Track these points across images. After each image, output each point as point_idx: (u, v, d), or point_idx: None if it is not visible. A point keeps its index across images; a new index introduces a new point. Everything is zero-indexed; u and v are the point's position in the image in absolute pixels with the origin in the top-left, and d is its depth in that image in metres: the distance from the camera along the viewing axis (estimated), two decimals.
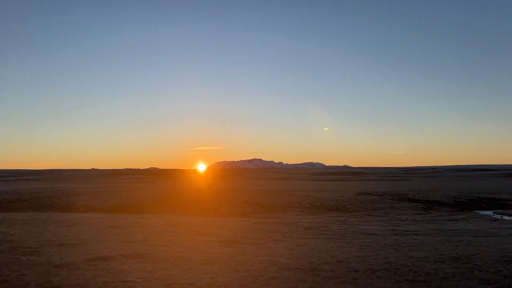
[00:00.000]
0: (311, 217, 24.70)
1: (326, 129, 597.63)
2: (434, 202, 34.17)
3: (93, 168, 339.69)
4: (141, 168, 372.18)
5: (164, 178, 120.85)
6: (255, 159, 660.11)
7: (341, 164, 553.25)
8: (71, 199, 37.14)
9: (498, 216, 26.97)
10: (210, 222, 17.39)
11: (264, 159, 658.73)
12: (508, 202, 34.91)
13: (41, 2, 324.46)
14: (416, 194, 40.80)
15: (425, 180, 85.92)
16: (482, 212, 29.85)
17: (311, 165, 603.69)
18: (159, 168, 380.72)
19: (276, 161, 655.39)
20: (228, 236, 12.09)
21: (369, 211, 29.14)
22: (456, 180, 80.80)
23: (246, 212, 29.55)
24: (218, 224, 16.01)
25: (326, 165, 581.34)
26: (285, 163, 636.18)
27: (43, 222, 16.30)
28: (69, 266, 7.20)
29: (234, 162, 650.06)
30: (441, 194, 39.51)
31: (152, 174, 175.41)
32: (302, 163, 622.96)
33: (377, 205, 31.93)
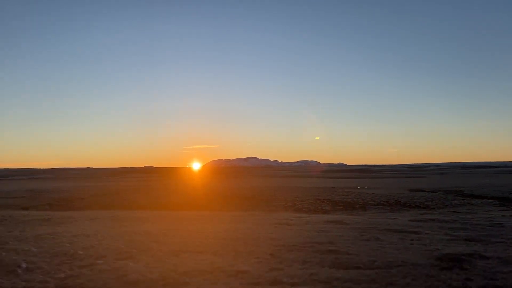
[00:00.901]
0: (407, 215, 24.21)
1: (317, 138, 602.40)
2: (503, 199, 33.99)
3: (88, 167, 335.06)
4: (136, 166, 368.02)
5: (178, 176, 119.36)
6: (251, 158, 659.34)
7: (335, 162, 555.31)
8: (129, 197, 36.22)
9: None
10: (338, 219, 16.77)
11: (259, 158, 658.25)
12: None
13: (40, 2, 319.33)
14: (472, 190, 40.70)
15: (446, 177, 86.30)
16: None
17: (306, 163, 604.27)
18: (154, 166, 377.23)
19: (272, 159, 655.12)
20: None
21: (450, 208, 28.75)
22: (481, 177, 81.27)
23: (326, 209, 28.94)
24: (368, 221, 15.39)
25: (320, 163, 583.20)
26: (280, 161, 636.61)
27: (185, 220, 15.48)
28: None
29: (230, 160, 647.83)
30: (498, 190, 39.48)
31: (158, 173, 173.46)
32: (297, 161, 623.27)
33: (452, 202, 31.69)
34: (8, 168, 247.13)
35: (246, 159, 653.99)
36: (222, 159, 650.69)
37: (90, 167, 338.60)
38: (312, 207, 29.77)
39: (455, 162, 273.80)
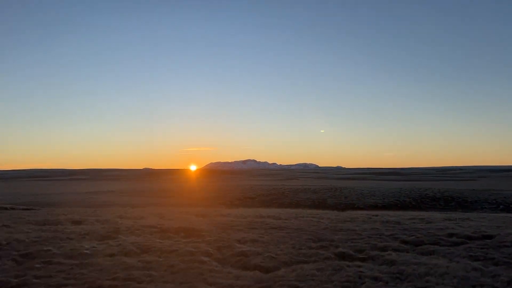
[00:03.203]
0: None
1: (322, 131, 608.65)
2: None
3: (87, 169, 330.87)
4: (135, 168, 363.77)
5: (212, 178, 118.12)
6: (249, 160, 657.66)
7: (334, 165, 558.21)
8: (293, 195, 36.11)
9: None
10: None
11: (257, 160, 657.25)
12: None
13: (40, 3, 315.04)
14: None
15: (498, 180, 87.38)
16: None
17: (304, 166, 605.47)
18: (153, 168, 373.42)
19: (270, 162, 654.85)
20: None
21: None
22: None
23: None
24: None
25: (319, 166, 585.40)
26: (279, 164, 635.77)
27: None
28: None
29: (228, 163, 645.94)
30: None
31: (175, 174, 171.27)
32: (296, 164, 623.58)
33: None
34: (41, 169, 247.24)
35: (244, 162, 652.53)
36: (220, 162, 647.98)
37: (97, 168, 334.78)
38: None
39: (479, 166, 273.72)
